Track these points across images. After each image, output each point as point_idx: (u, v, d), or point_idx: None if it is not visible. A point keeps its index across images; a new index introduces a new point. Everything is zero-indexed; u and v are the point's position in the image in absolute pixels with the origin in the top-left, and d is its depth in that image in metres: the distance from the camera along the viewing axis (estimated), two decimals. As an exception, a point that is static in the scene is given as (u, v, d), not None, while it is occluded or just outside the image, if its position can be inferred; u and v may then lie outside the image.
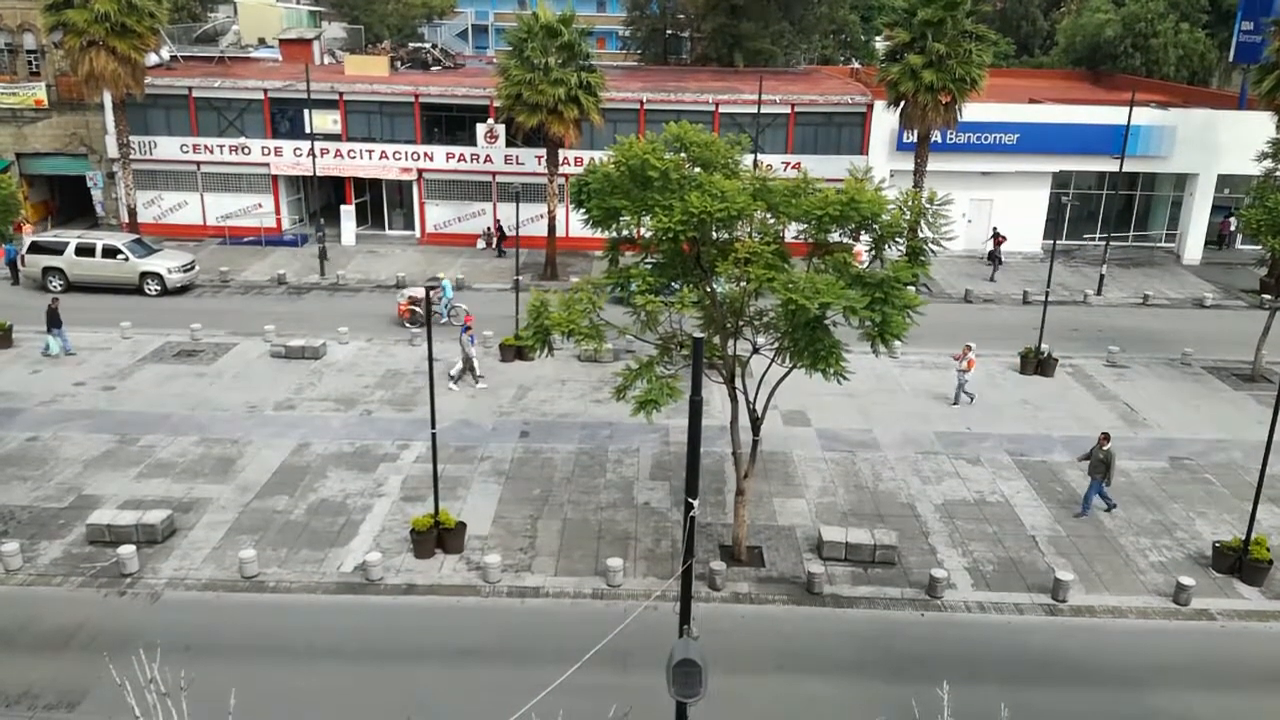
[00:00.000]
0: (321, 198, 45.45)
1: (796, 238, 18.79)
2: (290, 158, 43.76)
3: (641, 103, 43.25)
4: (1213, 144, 43.45)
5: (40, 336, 31.42)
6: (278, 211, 44.98)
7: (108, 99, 40.79)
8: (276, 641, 17.22)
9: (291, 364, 29.90)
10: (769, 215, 18.16)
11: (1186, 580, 18.90)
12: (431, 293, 33.39)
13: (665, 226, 17.03)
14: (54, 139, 44.45)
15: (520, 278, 32.28)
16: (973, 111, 40.06)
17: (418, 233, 45.34)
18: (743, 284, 17.68)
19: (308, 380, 28.76)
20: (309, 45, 50.55)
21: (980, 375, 30.39)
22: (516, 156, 43.31)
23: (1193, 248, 45.11)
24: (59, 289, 35.93)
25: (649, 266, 18.74)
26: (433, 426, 19.87)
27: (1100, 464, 21.49)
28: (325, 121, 42.98)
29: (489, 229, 44.35)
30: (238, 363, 30.00)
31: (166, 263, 36.72)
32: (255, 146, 43.80)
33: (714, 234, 17.86)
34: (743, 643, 17.28)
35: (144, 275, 36.17)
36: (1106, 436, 21.70)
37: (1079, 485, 23.38)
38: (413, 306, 33.17)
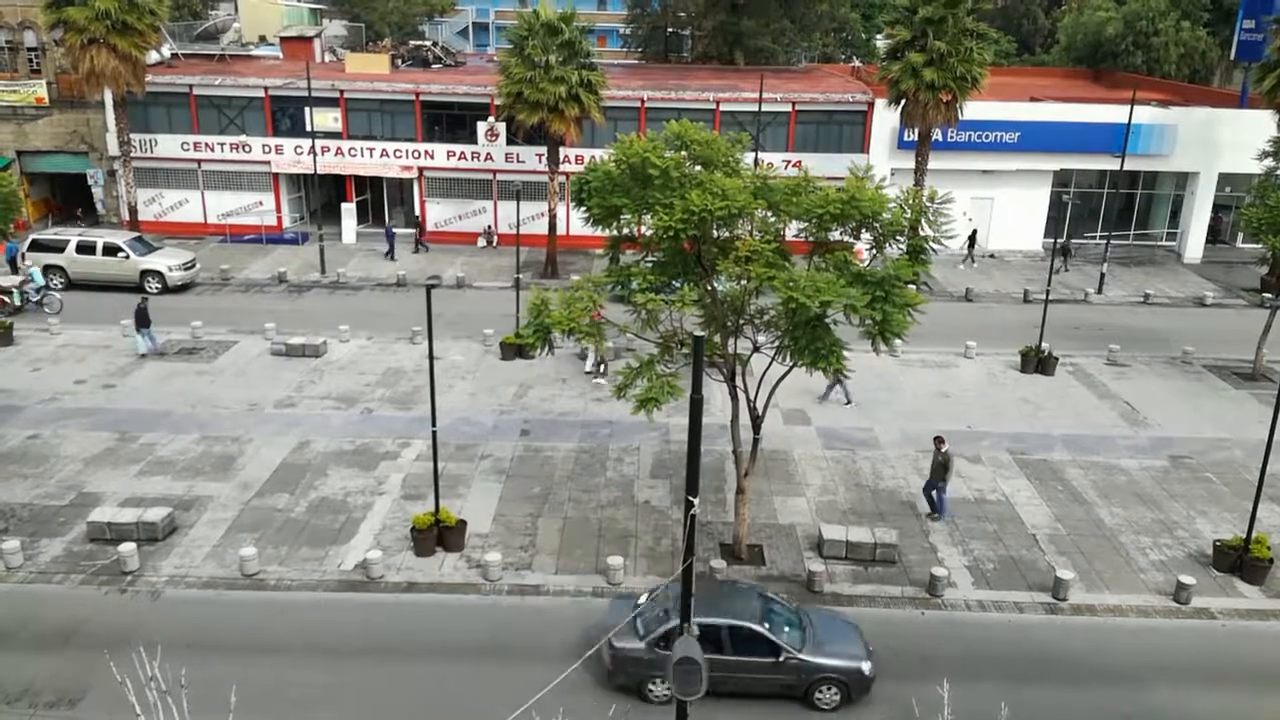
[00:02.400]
0: (322, 196, 45.44)
1: (797, 236, 18.79)
2: (291, 156, 43.75)
3: (642, 101, 43.22)
4: (1214, 142, 43.43)
5: (38, 333, 31.47)
6: (278, 209, 44.96)
7: (108, 97, 40.77)
8: (277, 639, 17.23)
9: (292, 362, 29.90)
10: (770, 213, 18.16)
11: (1187, 579, 18.91)
12: (19, 280, 33.44)
13: (666, 225, 17.04)
14: (55, 137, 44.44)
15: (520, 276, 32.27)
16: (974, 110, 40.03)
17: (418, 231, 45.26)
18: (743, 282, 17.68)
19: (308, 378, 28.77)
20: (310, 43, 50.54)
21: (981, 374, 30.45)
22: (517, 155, 43.29)
23: (1194, 246, 45.09)
24: (59, 287, 35.95)
25: (650, 265, 18.76)
26: (433, 424, 19.87)
27: (939, 467, 21.26)
28: (326, 119, 42.94)
29: (488, 227, 44.36)
30: (238, 361, 30.00)
31: (167, 261, 36.72)
32: (256, 144, 43.78)
33: (715, 232, 17.86)
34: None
35: (145, 273, 36.14)
36: (941, 440, 21.44)
37: (1079, 484, 23.41)
38: (1, 296, 33.35)
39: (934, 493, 21.57)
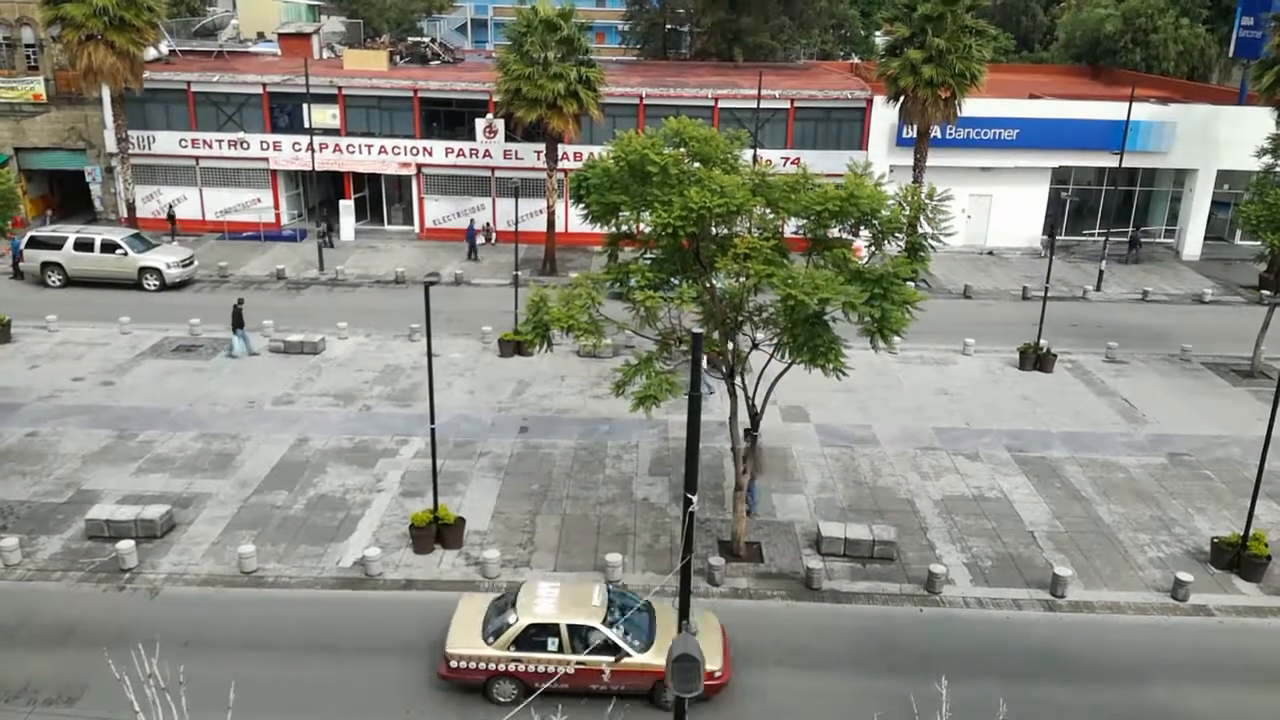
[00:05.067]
0: (320, 193, 45.39)
1: (796, 233, 18.79)
2: (289, 153, 43.68)
3: (641, 98, 43.18)
4: (1212, 139, 43.42)
5: (36, 330, 31.45)
6: (276, 206, 44.90)
7: (106, 93, 40.71)
8: (275, 637, 17.23)
9: (290, 359, 29.88)
10: (768, 210, 18.15)
11: (1185, 576, 18.92)
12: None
13: (664, 222, 17.03)
14: (52, 134, 44.35)
15: (519, 273, 32.26)
16: (972, 107, 40.02)
17: (416, 228, 45.28)
18: (742, 279, 17.67)
19: (306, 375, 28.75)
20: (308, 40, 50.47)
21: (979, 371, 30.48)
22: (515, 151, 43.25)
23: (1192, 243, 45.09)
24: (58, 284, 35.93)
25: (648, 262, 18.75)
26: (432, 422, 19.87)
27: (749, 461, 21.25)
28: (324, 116, 42.90)
29: (487, 224, 44.32)
30: (237, 357, 29.97)
31: (165, 258, 36.68)
32: (254, 141, 43.72)
33: (713, 229, 17.85)
34: (742, 638, 17.27)
35: (143, 270, 36.12)
36: (751, 435, 21.44)
37: (1077, 481, 23.42)
38: None
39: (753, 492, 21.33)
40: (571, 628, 15.43)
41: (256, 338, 31.30)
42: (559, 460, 23.88)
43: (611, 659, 15.06)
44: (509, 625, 15.52)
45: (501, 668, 15.32)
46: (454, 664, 15.44)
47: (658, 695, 15.34)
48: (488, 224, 44.37)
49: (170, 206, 43.67)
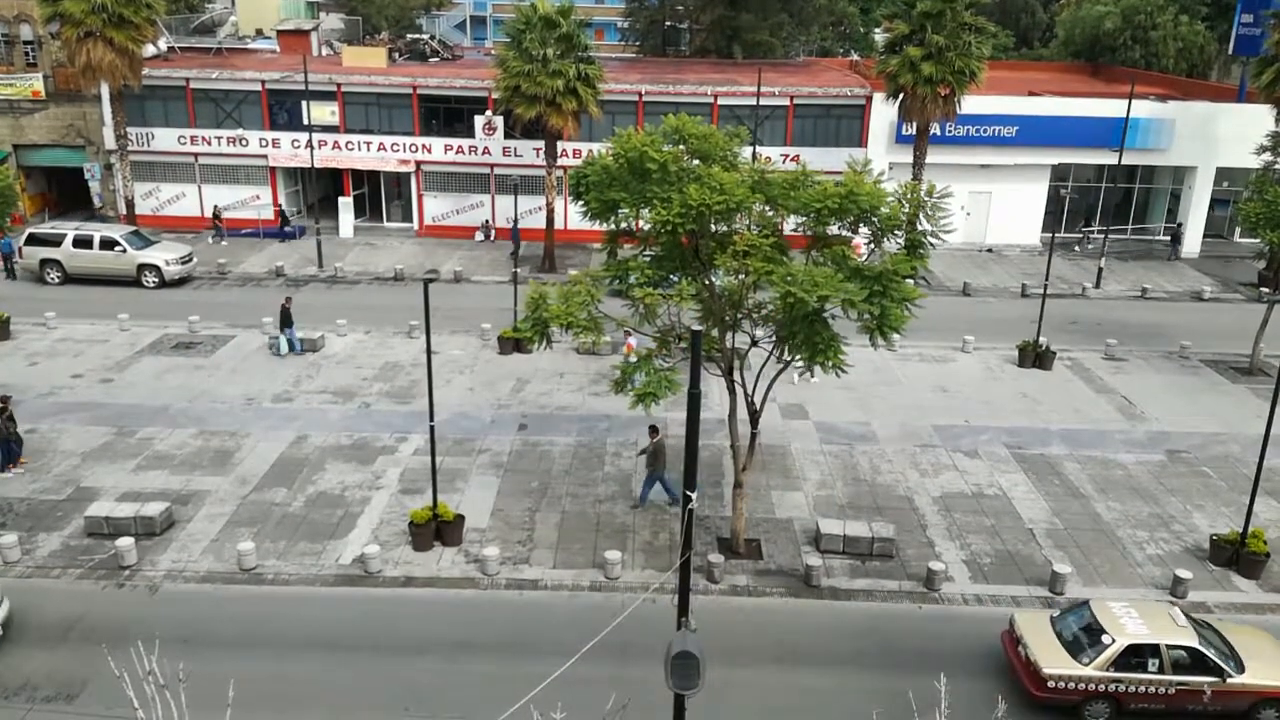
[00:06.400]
0: (319, 190, 45.35)
1: (795, 230, 18.79)
2: (288, 149, 43.65)
3: (640, 95, 43.15)
4: (1212, 137, 43.43)
5: (35, 328, 31.43)
6: (275, 203, 44.87)
7: (105, 90, 40.68)
8: (275, 634, 17.24)
9: (289, 356, 29.86)
10: (767, 208, 18.15)
11: (1184, 573, 18.94)
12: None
13: (664, 219, 17.04)
14: (51, 130, 44.29)
15: (518, 270, 32.25)
16: (972, 104, 40.02)
17: (415, 225, 45.27)
18: (741, 277, 17.67)
19: (306, 373, 28.74)
20: (307, 36, 50.42)
21: (978, 368, 30.49)
22: (515, 149, 43.23)
23: (1191, 241, 45.08)
24: (56, 281, 35.92)
25: (647, 259, 18.74)
26: (431, 419, 19.87)
27: (652, 456, 21.27)
28: (323, 113, 42.87)
29: (486, 221, 44.31)
30: (236, 355, 29.97)
31: (164, 255, 36.65)
32: (253, 138, 43.69)
33: (712, 226, 17.85)
34: (741, 635, 17.31)
35: (142, 267, 36.11)
36: (655, 430, 21.40)
37: (1076, 478, 23.44)
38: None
39: (660, 483, 21.46)
40: (1171, 648, 15.41)
41: (255, 335, 31.33)
42: (558, 457, 23.88)
43: (1215, 679, 15.24)
44: (1105, 646, 15.45)
45: (1100, 688, 15.26)
46: (1052, 684, 15.38)
47: (1253, 716, 15.50)
48: (486, 221, 44.36)
49: (215, 205, 43.62)
